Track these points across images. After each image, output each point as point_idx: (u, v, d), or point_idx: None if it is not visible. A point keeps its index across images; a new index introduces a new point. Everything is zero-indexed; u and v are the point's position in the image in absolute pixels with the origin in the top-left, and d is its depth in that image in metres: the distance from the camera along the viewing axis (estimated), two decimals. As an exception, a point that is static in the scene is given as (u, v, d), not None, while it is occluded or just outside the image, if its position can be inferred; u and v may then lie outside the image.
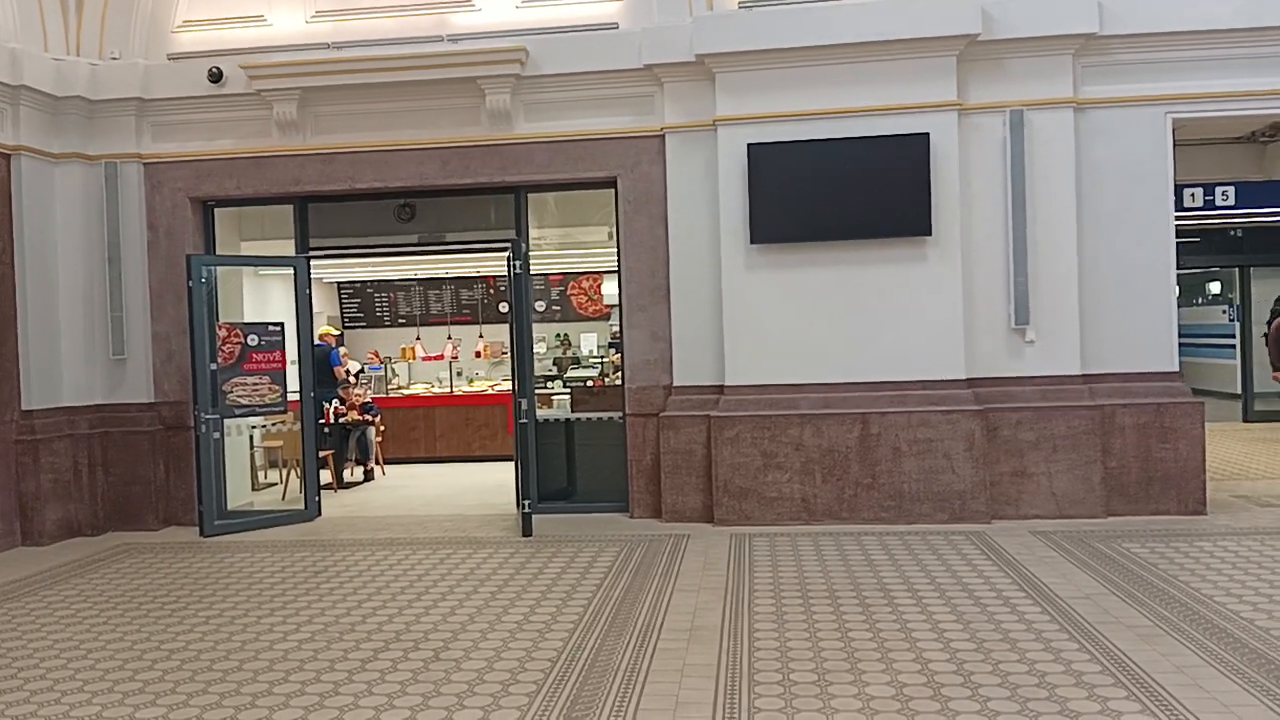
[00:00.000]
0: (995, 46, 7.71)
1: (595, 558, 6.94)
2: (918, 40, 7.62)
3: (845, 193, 7.72)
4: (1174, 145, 7.85)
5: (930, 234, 7.69)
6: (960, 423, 7.62)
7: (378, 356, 13.78)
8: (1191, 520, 7.52)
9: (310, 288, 8.91)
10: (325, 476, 10.40)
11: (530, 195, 8.71)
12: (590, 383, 10.35)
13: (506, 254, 8.20)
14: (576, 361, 12.93)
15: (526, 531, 7.80)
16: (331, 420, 10.99)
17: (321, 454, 10.02)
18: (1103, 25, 7.59)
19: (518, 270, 8.01)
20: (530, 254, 8.47)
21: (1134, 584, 5.78)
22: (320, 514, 8.93)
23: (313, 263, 8.99)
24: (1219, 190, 11.90)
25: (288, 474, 10.35)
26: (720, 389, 8.05)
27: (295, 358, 8.90)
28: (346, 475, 11.27)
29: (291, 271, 8.86)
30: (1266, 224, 12.29)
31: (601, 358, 12.67)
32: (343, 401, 11.32)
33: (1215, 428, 11.60)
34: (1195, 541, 6.81)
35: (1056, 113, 7.75)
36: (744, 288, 7.95)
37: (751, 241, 7.88)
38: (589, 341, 13.43)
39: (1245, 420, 13.56)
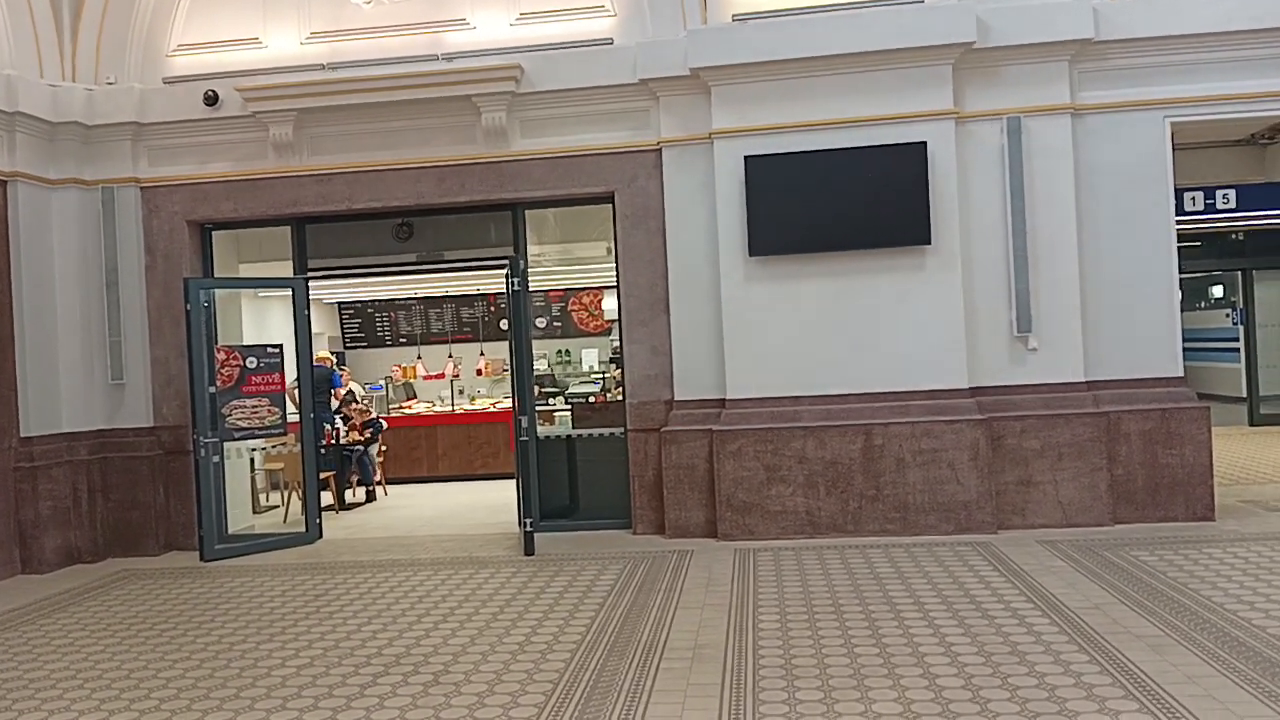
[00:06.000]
0: (991, 54, 7.69)
1: (598, 576, 6.88)
2: (913, 50, 7.60)
3: (843, 203, 7.69)
4: (1173, 149, 7.81)
5: (930, 243, 7.65)
6: (964, 432, 7.56)
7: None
8: (1200, 526, 7.45)
9: (309, 309, 8.89)
10: (327, 498, 10.34)
11: (528, 212, 8.69)
12: (592, 399, 10.29)
13: (505, 271, 8.17)
14: (565, 381, 12.78)
15: (529, 550, 7.73)
16: (332, 441, 10.93)
17: (322, 476, 9.97)
18: (1098, 31, 7.57)
19: (516, 287, 7.98)
20: (529, 270, 8.44)
21: (1143, 592, 5.71)
22: (322, 536, 8.88)
23: (313, 283, 8.97)
24: (1219, 193, 11.89)
25: (289, 496, 10.29)
26: (722, 402, 8.00)
27: (295, 379, 8.88)
28: (348, 496, 11.22)
29: (290, 293, 8.84)
30: (1268, 226, 12.26)
31: (603, 373, 12.60)
32: (345, 420, 11.27)
33: (1221, 432, 11.52)
34: (1204, 548, 6.74)
35: (1054, 119, 7.72)
36: (743, 300, 7.91)
37: (750, 254, 7.84)
38: (590, 357, 13.38)
39: (1251, 424, 13.49)
